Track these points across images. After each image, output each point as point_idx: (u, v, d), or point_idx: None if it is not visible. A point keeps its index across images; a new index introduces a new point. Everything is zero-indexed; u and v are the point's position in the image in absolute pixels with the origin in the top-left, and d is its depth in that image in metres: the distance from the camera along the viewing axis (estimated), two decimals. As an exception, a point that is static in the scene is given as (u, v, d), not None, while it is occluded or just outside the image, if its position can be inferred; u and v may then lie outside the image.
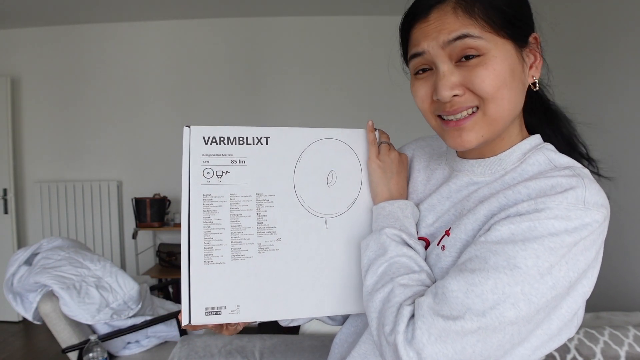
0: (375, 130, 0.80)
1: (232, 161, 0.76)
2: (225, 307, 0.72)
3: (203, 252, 0.72)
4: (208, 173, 0.75)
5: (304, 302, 0.74)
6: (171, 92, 3.56)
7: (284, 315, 0.75)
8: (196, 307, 0.71)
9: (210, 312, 0.71)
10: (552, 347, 0.65)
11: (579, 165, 0.66)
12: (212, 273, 0.72)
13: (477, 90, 0.63)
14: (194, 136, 0.75)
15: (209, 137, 0.76)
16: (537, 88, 0.69)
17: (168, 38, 3.66)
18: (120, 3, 3.24)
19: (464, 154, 0.76)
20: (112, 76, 3.66)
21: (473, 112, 0.65)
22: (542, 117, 0.76)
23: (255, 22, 3.62)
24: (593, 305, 2.57)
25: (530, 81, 0.68)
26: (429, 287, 0.64)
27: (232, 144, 0.76)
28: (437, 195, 0.76)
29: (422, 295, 0.62)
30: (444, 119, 0.68)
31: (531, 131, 0.75)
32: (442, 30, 0.63)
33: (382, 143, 0.79)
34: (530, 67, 0.68)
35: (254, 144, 0.77)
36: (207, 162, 0.75)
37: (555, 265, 0.57)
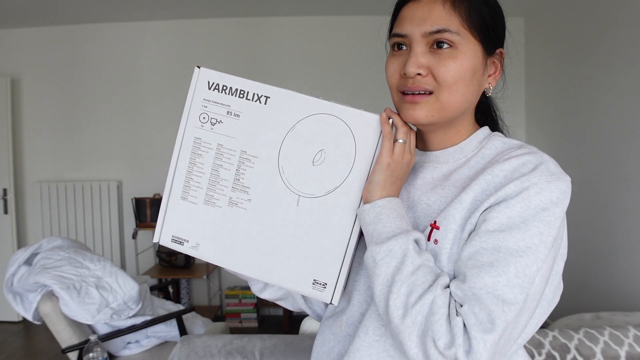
0: (390, 119, 0.72)
1: (227, 112, 0.76)
2: (187, 241, 0.79)
3: (182, 188, 0.79)
4: (204, 118, 0.77)
5: (253, 264, 0.78)
6: (171, 92, 3.56)
7: (233, 268, 0.79)
8: (165, 232, 0.80)
9: (175, 240, 0.80)
10: (549, 311, 0.72)
11: (525, 143, 0.75)
12: (185, 209, 0.79)
13: (438, 77, 0.70)
14: (200, 78, 0.77)
15: (213, 83, 0.76)
16: (489, 94, 0.79)
17: (168, 38, 3.66)
18: (120, 3, 3.24)
19: (426, 147, 0.81)
20: (112, 76, 3.66)
21: (428, 94, 0.71)
22: (487, 115, 0.86)
23: (255, 22, 3.62)
24: (593, 305, 2.57)
25: (486, 87, 0.77)
26: (448, 286, 0.65)
27: (232, 95, 0.76)
28: (411, 188, 0.78)
29: (455, 298, 0.64)
30: (404, 94, 0.73)
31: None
32: (427, 20, 0.70)
33: (397, 141, 0.72)
34: (490, 75, 0.76)
35: (252, 100, 0.76)
36: (206, 107, 0.77)
37: (556, 237, 0.65)
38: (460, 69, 0.69)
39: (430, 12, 0.70)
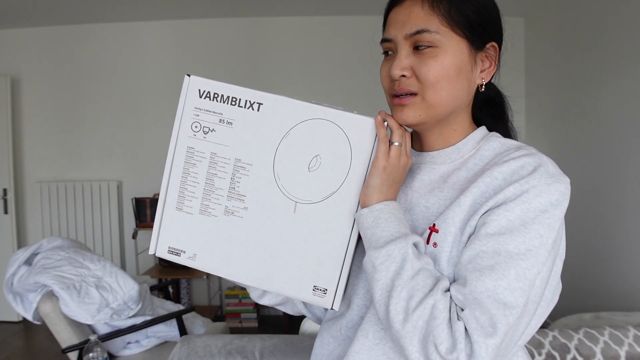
0: (385, 122, 0.72)
1: (220, 120, 0.75)
2: (184, 252, 0.79)
3: (176, 199, 0.78)
4: (196, 127, 0.76)
5: (252, 272, 0.77)
6: (171, 92, 3.56)
7: (231, 277, 0.78)
8: (162, 243, 0.79)
9: (171, 251, 0.79)
10: (548, 312, 0.72)
11: (524, 144, 0.74)
12: (180, 219, 0.78)
13: (420, 76, 0.70)
14: (191, 87, 0.76)
15: (203, 91, 0.76)
16: (482, 90, 0.77)
17: (168, 38, 3.66)
18: (120, 3, 3.24)
19: (422, 148, 0.81)
20: (112, 76, 3.66)
21: (413, 94, 0.72)
22: (488, 112, 0.84)
23: (255, 22, 3.62)
24: (593, 305, 2.57)
25: (478, 82, 0.75)
26: (448, 290, 0.65)
27: (224, 102, 0.75)
28: (408, 190, 0.78)
29: (455, 302, 0.64)
30: (393, 97, 0.75)
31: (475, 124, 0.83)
32: (407, 23, 0.71)
33: (393, 143, 0.72)
34: (483, 70, 0.75)
35: (245, 107, 0.75)
36: (197, 115, 0.76)
37: (556, 239, 0.65)
38: (441, 67, 0.70)
39: (410, 14, 0.71)
